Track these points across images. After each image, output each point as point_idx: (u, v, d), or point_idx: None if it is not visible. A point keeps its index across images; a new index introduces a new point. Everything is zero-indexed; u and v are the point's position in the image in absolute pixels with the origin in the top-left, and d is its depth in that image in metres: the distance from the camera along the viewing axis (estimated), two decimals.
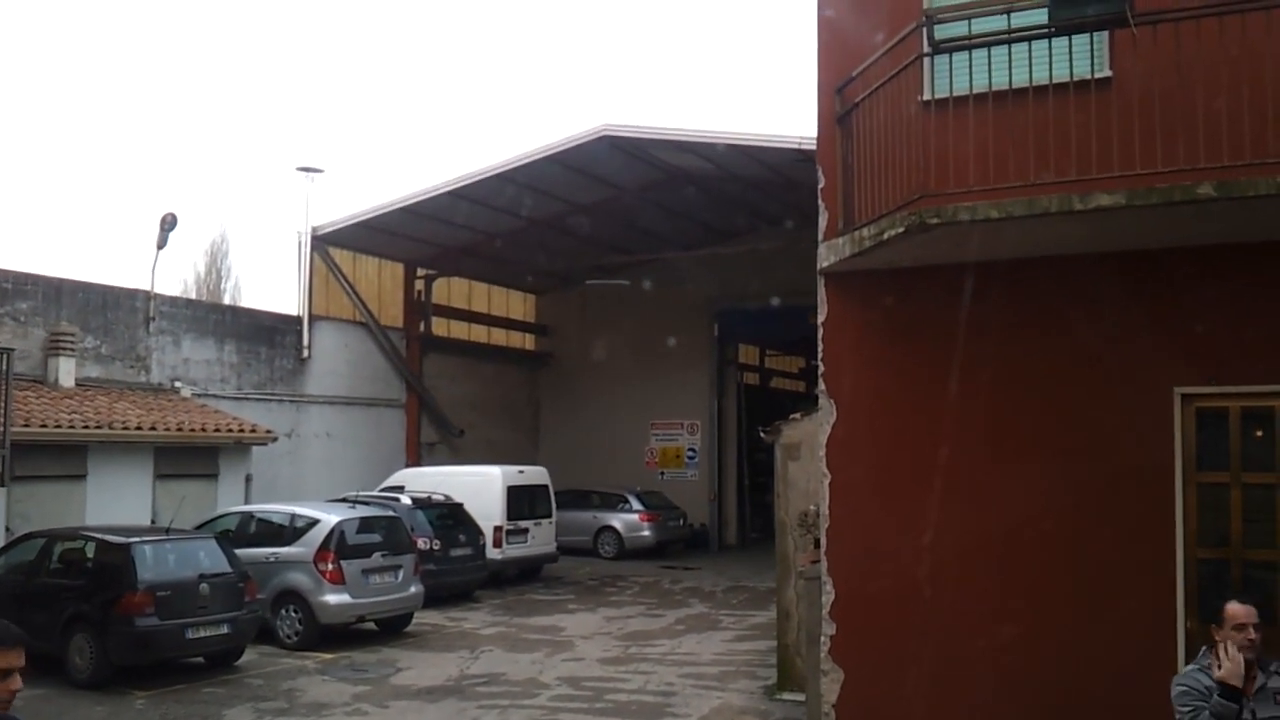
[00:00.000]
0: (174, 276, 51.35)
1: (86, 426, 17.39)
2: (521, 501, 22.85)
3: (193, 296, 40.26)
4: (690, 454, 31.50)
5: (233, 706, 12.27)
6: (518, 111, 75.86)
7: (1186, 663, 7.87)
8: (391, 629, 16.61)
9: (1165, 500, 8.09)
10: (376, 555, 16.04)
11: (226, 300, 42.96)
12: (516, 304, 33.10)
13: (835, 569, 9.07)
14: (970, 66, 7.97)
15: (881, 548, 8.91)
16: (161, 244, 21.62)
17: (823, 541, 9.19)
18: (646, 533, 27.53)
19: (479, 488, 22.07)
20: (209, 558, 13.95)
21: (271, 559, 15.66)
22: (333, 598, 15.29)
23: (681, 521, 28.98)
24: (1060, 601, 8.38)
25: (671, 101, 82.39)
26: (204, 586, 13.39)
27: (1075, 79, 7.74)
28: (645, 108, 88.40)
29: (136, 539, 13.35)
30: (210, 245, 45.95)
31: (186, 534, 14.65)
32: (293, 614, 15.39)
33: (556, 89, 78.32)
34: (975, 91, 7.80)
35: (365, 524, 16.45)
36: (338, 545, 15.57)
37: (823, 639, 9.12)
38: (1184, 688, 5.54)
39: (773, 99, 71.76)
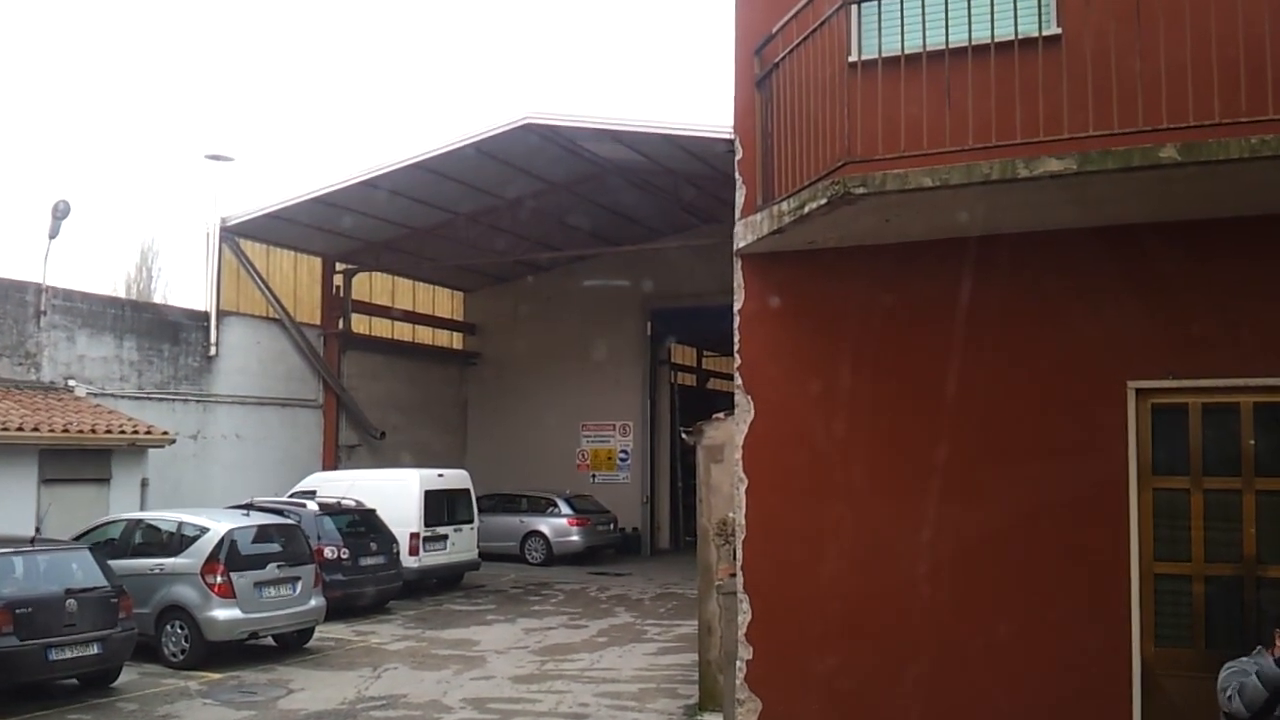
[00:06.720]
0: (105, 278, 49.69)
1: None
2: (441, 507, 21.71)
3: (123, 296, 38.77)
4: (622, 456, 30.53)
5: None
6: (451, 107, 74.52)
7: (1143, 696, 7.05)
8: (290, 645, 15.43)
9: (1118, 507, 7.22)
10: (272, 566, 14.82)
11: (157, 300, 41.42)
12: (444, 301, 31.89)
13: (752, 585, 8.12)
14: (902, 25, 7.14)
15: (802, 562, 7.96)
16: (53, 233, 20.26)
17: (739, 554, 8.24)
18: (575, 538, 26.56)
19: (395, 492, 20.91)
20: (81, 570, 12.71)
21: (156, 570, 14.41)
22: (221, 613, 14.05)
23: (612, 526, 28.03)
24: (1001, 623, 7.48)
25: (607, 100, 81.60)
26: (71, 602, 12.14)
27: (1020, 37, 6.91)
28: (580, 103, 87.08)
29: None
30: (141, 246, 44.69)
31: (54, 544, 13.37)
32: (178, 630, 14.13)
33: (491, 85, 77.12)
34: (908, 52, 6.95)
35: (260, 533, 15.23)
36: (228, 556, 14.34)
37: (738, 664, 8.16)
38: (1233, 669, 5.77)
39: (713, 100, 71.05)
